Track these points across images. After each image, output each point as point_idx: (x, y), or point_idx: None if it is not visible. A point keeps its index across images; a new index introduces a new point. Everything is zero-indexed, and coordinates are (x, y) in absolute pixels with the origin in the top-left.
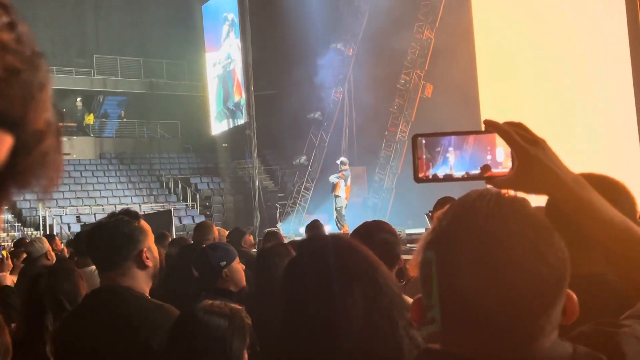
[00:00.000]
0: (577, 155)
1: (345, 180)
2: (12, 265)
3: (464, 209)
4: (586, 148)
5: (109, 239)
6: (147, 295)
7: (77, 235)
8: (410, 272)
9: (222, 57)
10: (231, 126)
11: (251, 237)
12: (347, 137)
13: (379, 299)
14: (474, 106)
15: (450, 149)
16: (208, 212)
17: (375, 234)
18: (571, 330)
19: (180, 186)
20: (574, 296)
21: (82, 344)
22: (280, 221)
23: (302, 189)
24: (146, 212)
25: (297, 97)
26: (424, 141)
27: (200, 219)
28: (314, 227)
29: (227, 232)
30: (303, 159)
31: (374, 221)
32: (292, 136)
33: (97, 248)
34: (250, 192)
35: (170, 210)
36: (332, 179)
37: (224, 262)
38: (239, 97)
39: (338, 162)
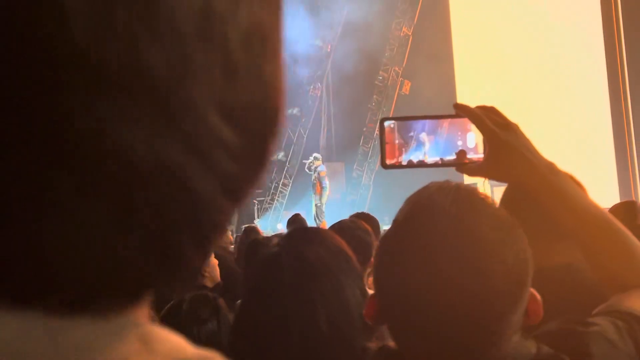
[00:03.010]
0: (555, 150)
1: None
2: None
3: (420, 204)
4: (563, 144)
5: None
6: None
7: None
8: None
9: None
10: None
11: (230, 235)
12: (325, 133)
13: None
14: (451, 103)
15: (423, 133)
16: None
17: (348, 232)
18: (538, 326)
19: None
20: (538, 297)
21: None
22: (258, 217)
23: (280, 185)
24: None
25: None
26: (392, 125)
27: None
28: (296, 222)
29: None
30: (281, 155)
31: (351, 219)
32: None
33: None
34: None
35: None
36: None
37: None
38: None
39: (312, 157)
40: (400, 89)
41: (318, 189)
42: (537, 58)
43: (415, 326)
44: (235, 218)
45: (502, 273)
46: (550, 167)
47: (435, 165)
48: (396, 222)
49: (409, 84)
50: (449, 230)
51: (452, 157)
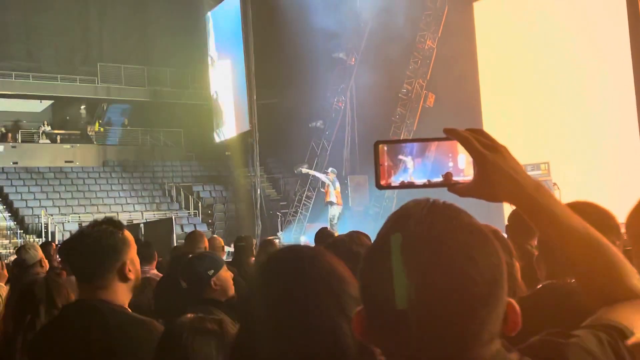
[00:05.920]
0: (582, 162)
1: (334, 184)
2: (7, 275)
3: (399, 217)
4: (590, 155)
5: (92, 250)
6: (127, 308)
7: None
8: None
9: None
10: (234, 134)
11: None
12: (348, 146)
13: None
14: (476, 115)
15: (410, 156)
16: (210, 220)
17: (348, 246)
18: (525, 340)
19: (182, 194)
20: (517, 306)
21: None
22: (282, 230)
23: (304, 198)
24: (148, 220)
25: (300, 105)
26: (385, 148)
27: (202, 227)
28: (323, 236)
29: (222, 241)
30: (304, 167)
31: (349, 233)
32: (294, 144)
33: (77, 259)
34: (252, 201)
35: (171, 218)
36: (322, 177)
37: (212, 271)
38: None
39: (328, 170)
40: (425, 101)
41: (327, 195)
42: (562, 70)
43: (396, 331)
44: (259, 230)
45: (474, 273)
46: (538, 187)
47: (423, 186)
48: (378, 236)
49: (433, 97)
50: (422, 236)
51: (439, 178)
